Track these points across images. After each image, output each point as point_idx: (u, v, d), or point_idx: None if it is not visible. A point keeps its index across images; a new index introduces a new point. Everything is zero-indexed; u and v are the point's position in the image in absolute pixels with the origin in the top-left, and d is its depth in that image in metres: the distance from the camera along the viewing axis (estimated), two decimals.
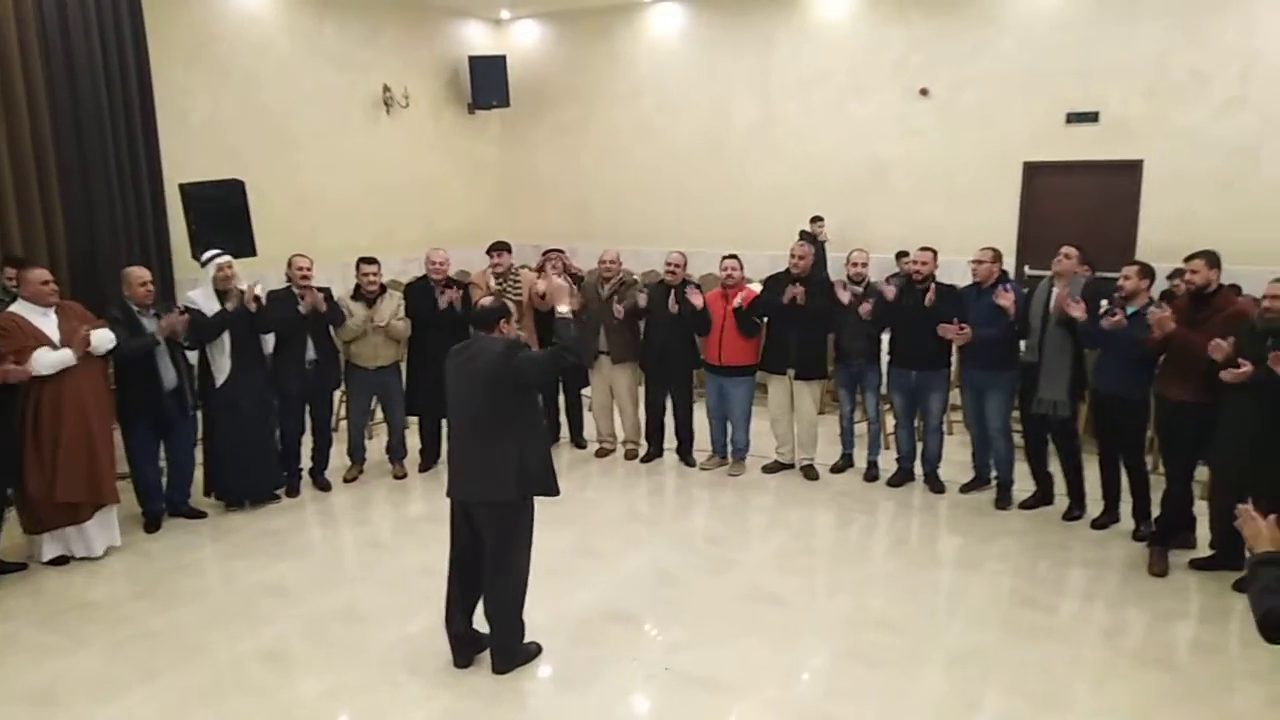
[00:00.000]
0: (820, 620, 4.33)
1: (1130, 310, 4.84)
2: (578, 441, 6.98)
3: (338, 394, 6.32)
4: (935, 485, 5.95)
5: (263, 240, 7.76)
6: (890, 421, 6.31)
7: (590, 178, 12.12)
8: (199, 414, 5.56)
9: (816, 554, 5.19)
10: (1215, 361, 4.31)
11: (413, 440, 6.40)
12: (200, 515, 5.53)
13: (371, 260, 6.07)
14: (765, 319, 6.13)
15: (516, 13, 12.13)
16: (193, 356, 5.45)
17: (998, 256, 5.58)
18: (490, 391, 3.65)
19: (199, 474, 5.67)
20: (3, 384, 4.48)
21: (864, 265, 6.05)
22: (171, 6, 8.12)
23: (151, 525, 5.34)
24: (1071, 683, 3.76)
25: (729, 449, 6.40)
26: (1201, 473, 4.86)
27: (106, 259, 6.75)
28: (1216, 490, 4.63)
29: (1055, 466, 5.54)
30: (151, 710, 3.59)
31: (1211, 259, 4.62)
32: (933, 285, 5.62)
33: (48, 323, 4.68)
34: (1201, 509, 4.93)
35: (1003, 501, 5.68)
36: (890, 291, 5.74)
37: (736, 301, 6.02)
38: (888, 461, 6.21)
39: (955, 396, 6.26)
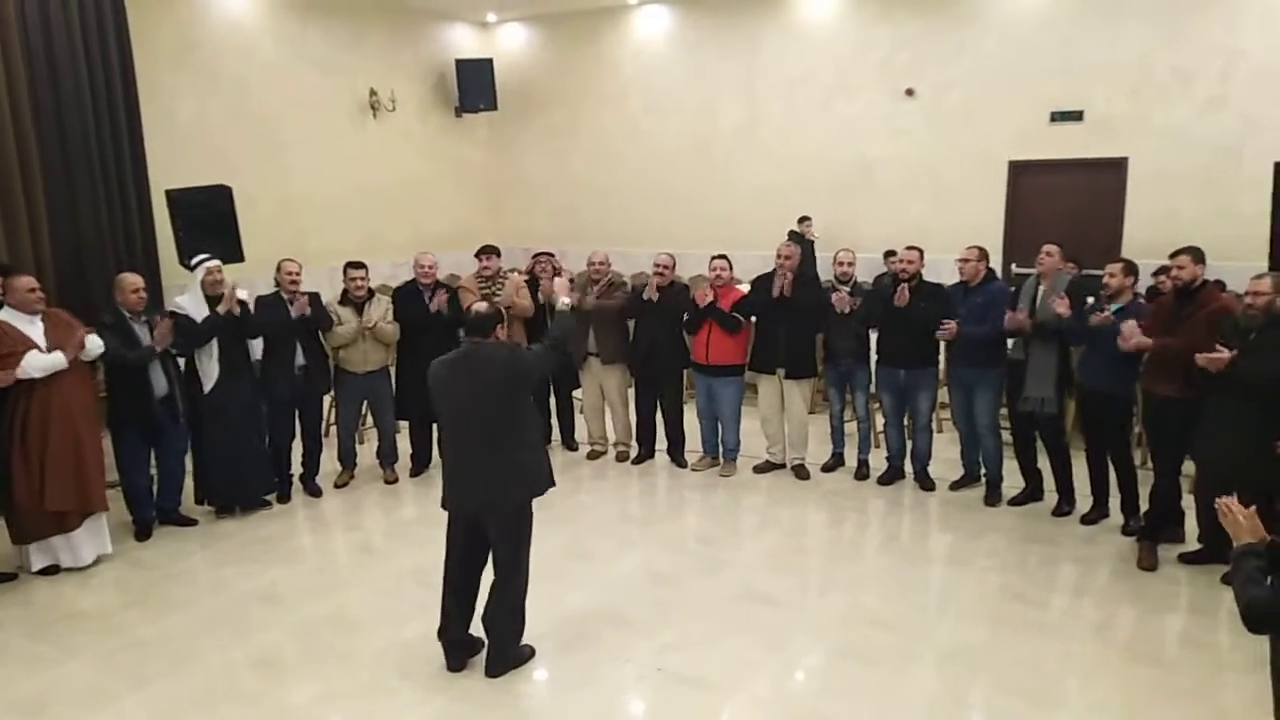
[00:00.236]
0: (812, 619, 4.35)
1: (1116, 307, 4.90)
2: (569, 444, 6.97)
3: (327, 399, 6.29)
4: (925, 483, 5.98)
5: (250, 244, 7.72)
6: (880, 420, 6.34)
7: (578, 180, 12.12)
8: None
9: (808, 553, 5.22)
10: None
11: (403, 445, 6.39)
12: (191, 522, 5.50)
13: (359, 265, 6.05)
14: (754, 318, 6.15)
15: (503, 16, 12.12)
16: (182, 363, 5.42)
17: (984, 255, 5.62)
18: (505, 400, 3.66)
19: (189, 481, 5.64)
20: None
21: (850, 265, 6.07)
22: (155, 10, 8.07)
23: (142, 533, 5.32)
24: (1062, 678, 3.78)
25: (720, 449, 6.42)
26: (1189, 467, 4.89)
27: (93, 265, 6.70)
28: (1202, 485, 4.68)
29: (1044, 463, 5.57)
30: (143, 719, 3.57)
31: (1197, 255, 4.66)
32: (905, 285, 5.62)
33: (34, 330, 4.66)
34: (1189, 503, 4.96)
35: (992, 498, 5.71)
36: (847, 303, 5.74)
37: (707, 300, 6.00)
38: (878, 460, 6.24)
39: (944, 394, 6.30)
